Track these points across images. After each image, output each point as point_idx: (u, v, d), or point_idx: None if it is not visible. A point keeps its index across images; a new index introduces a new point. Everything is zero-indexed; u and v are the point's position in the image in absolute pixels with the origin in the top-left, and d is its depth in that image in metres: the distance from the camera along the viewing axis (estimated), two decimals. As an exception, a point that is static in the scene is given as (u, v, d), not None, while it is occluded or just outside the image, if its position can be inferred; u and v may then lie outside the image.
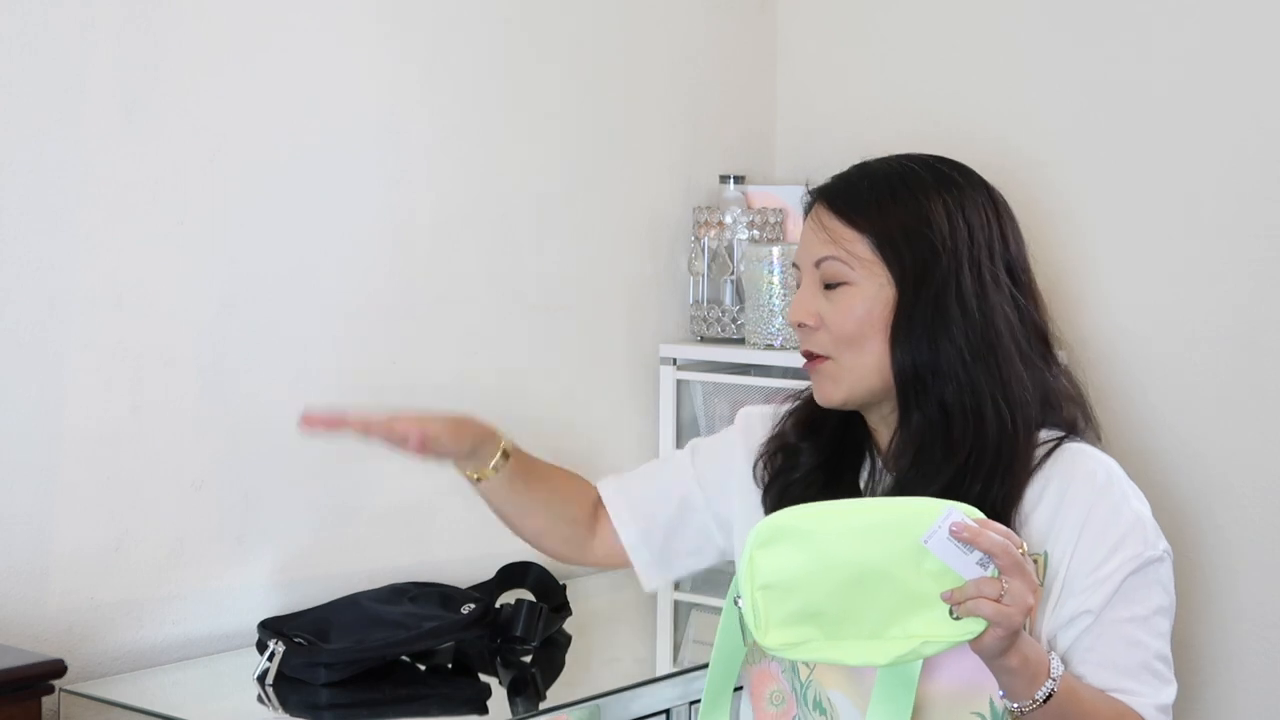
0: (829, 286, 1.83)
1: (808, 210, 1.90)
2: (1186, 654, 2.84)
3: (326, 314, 2.55)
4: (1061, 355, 1.93)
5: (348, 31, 2.56)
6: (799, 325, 1.85)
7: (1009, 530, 1.63)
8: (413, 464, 2.65)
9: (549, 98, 2.85)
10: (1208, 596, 2.83)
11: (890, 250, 1.81)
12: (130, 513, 2.33)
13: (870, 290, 1.81)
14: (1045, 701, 1.67)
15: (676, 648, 2.60)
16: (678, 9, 3.07)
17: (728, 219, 2.97)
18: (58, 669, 2.00)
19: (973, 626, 1.61)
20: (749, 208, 3.01)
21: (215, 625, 2.42)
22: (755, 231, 2.95)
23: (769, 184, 3.17)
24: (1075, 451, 1.83)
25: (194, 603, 2.40)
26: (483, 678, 2.34)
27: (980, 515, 1.63)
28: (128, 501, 2.33)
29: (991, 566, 1.61)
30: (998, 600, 1.59)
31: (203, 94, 2.38)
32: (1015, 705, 1.69)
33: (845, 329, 1.82)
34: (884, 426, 1.88)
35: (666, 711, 2.32)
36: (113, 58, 2.28)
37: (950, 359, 1.80)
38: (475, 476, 1.99)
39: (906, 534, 1.62)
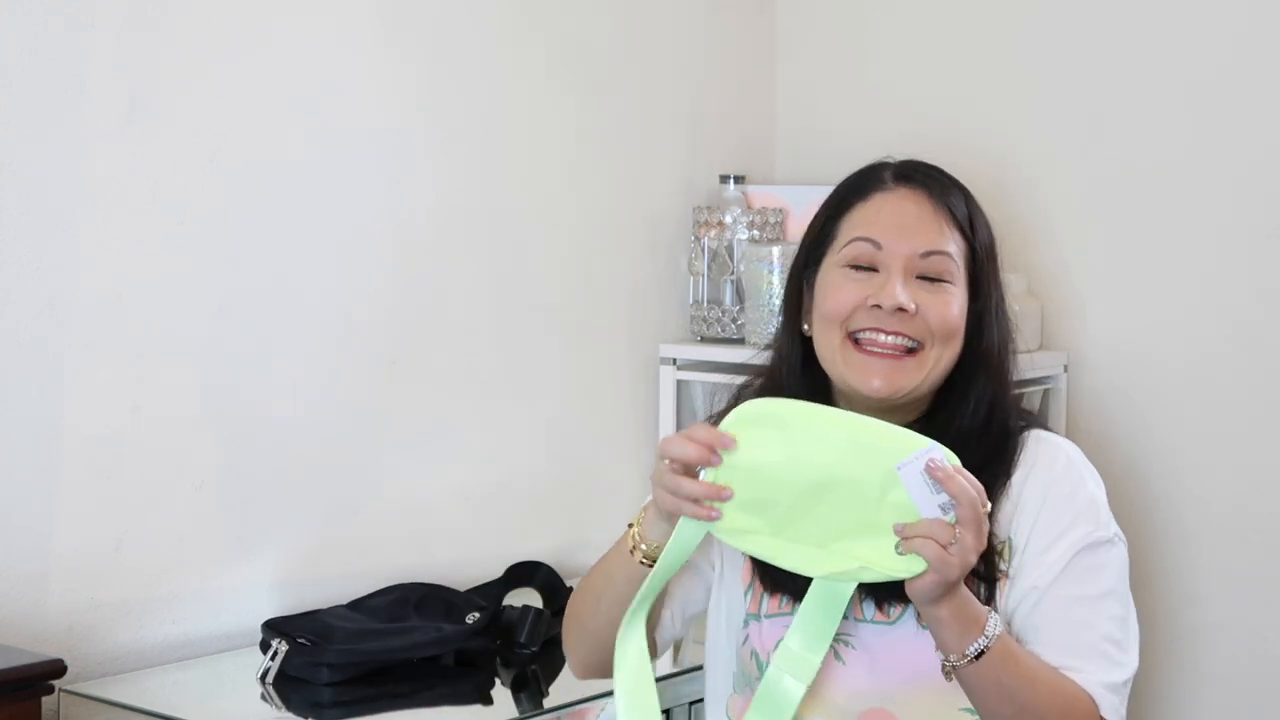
0: (928, 279, 1.83)
1: (878, 186, 1.87)
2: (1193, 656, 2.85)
3: (326, 314, 2.55)
4: None
5: (348, 32, 2.56)
6: (897, 310, 1.81)
7: (981, 486, 1.64)
8: (413, 464, 2.66)
9: (549, 98, 2.85)
10: (1180, 592, 2.83)
11: (977, 267, 1.86)
12: (130, 513, 2.33)
13: (960, 296, 1.84)
14: (978, 658, 1.68)
15: (676, 648, 2.60)
16: (678, 9, 3.07)
17: (728, 219, 2.96)
18: (58, 669, 2.00)
19: (913, 566, 1.62)
20: (749, 208, 3.01)
21: (215, 625, 2.42)
22: (755, 231, 2.95)
23: (769, 184, 3.17)
24: (1036, 439, 1.87)
25: (194, 603, 2.40)
26: (483, 677, 2.35)
27: (959, 464, 1.64)
28: (128, 502, 2.32)
29: (952, 514, 1.61)
30: (944, 548, 1.61)
31: (203, 94, 2.38)
32: (946, 659, 1.69)
33: (949, 324, 1.83)
34: None
35: (667, 712, 2.32)
36: (113, 58, 2.28)
37: (992, 370, 1.87)
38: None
39: (883, 459, 1.63)
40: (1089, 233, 2.93)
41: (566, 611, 1.97)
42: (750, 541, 1.68)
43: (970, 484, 1.63)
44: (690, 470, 1.69)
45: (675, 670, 2.38)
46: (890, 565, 1.63)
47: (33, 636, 2.21)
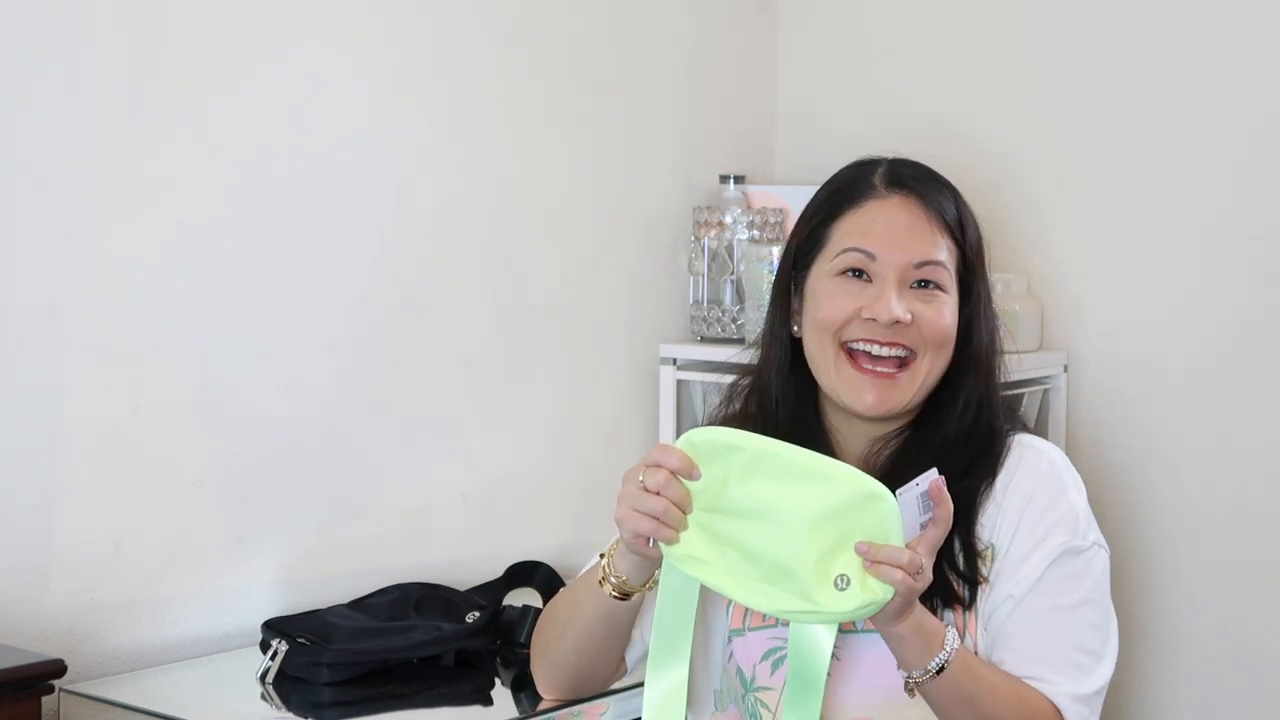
0: (922, 287, 1.84)
1: (871, 193, 1.86)
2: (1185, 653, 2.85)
3: (327, 314, 2.55)
4: None
5: (349, 33, 2.56)
6: (894, 322, 1.81)
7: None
8: (413, 464, 2.66)
9: (549, 98, 2.85)
10: (1179, 591, 2.83)
11: (967, 272, 1.86)
12: (130, 513, 2.33)
13: (952, 302, 1.85)
14: (939, 673, 1.68)
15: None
16: (678, 9, 3.07)
17: (728, 219, 2.97)
18: (58, 669, 2.00)
19: (863, 607, 1.62)
20: (749, 208, 3.01)
21: (215, 625, 2.42)
22: (755, 231, 2.95)
23: (769, 184, 3.17)
24: (1020, 444, 1.87)
25: (194, 603, 2.40)
26: (483, 677, 2.34)
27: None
28: (128, 501, 2.33)
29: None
30: (912, 576, 1.62)
31: (204, 95, 2.38)
32: (909, 676, 1.70)
33: (943, 333, 1.83)
34: (861, 437, 1.88)
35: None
36: (113, 58, 2.28)
37: (981, 371, 1.87)
38: (637, 589, 1.81)
39: (819, 497, 1.63)
40: (1088, 233, 2.93)
41: (534, 636, 1.96)
42: (703, 570, 1.67)
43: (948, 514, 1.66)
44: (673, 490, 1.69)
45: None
46: (837, 605, 1.63)
47: (33, 636, 2.22)
